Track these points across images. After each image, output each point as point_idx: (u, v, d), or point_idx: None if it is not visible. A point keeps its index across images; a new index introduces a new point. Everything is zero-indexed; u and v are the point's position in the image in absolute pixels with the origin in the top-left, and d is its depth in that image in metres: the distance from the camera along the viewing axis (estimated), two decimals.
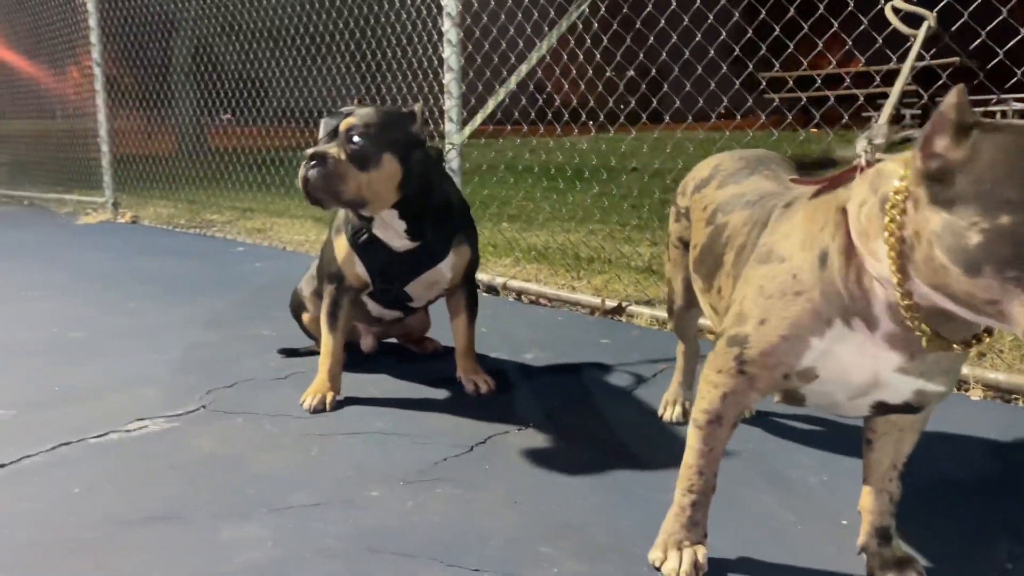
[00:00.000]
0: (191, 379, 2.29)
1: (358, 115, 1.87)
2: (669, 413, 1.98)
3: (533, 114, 4.08)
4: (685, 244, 1.70)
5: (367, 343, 2.49)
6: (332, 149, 1.84)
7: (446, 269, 2.10)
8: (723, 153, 1.72)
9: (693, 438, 1.26)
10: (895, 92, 1.26)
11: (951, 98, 0.88)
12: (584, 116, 4.00)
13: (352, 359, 2.42)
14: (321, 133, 1.92)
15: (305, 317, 2.43)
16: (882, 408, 1.15)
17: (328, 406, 2.05)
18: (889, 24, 1.47)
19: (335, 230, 2.12)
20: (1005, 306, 0.85)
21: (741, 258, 1.29)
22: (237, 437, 1.88)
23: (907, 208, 0.93)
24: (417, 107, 1.98)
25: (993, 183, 0.84)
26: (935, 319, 0.98)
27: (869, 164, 1.08)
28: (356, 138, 1.85)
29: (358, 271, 2.09)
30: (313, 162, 1.82)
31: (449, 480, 1.65)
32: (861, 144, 1.13)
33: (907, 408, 1.14)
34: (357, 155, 1.85)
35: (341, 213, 2.12)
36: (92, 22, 6.31)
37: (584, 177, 7.30)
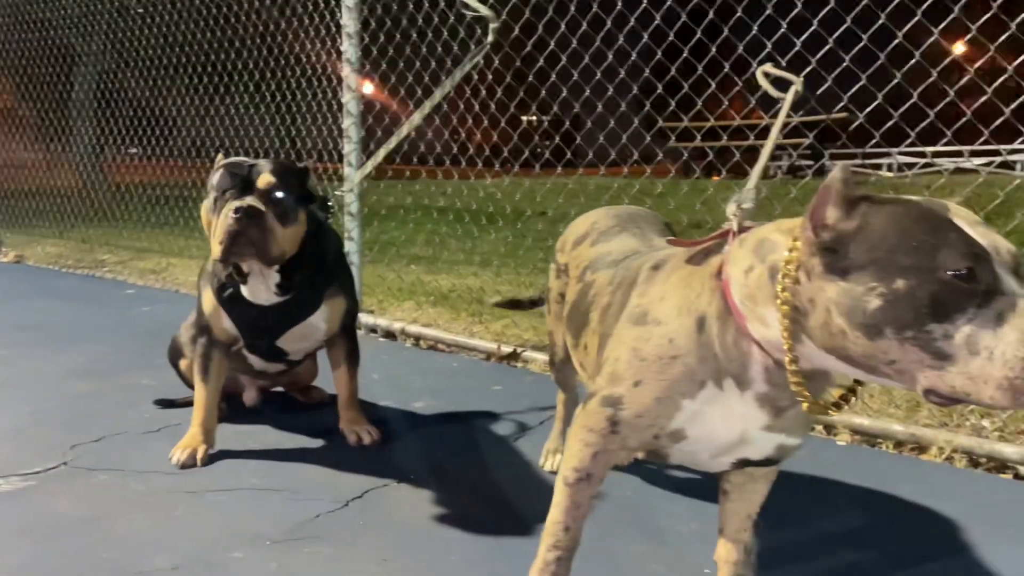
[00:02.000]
0: (56, 433, 2.17)
1: (269, 169, 1.85)
2: (550, 463, 1.99)
3: (447, 158, 4.10)
4: (564, 300, 1.73)
5: (250, 396, 2.42)
6: (258, 204, 1.81)
7: (319, 321, 2.07)
8: (599, 209, 1.76)
9: (561, 495, 1.27)
10: (764, 156, 1.33)
11: (837, 174, 0.94)
12: (497, 162, 4.04)
13: (234, 411, 2.34)
14: (226, 184, 1.84)
15: (183, 364, 2.35)
16: (743, 463, 1.19)
17: (199, 461, 1.97)
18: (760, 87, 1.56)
19: (204, 281, 2.06)
20: (904, 364, 0.90)
21: (607, 317, 1.31)
22: (98, 497, 1.78)
23: (799, 278, 0.97)
24: (309, 164, 2.00)
25: (887, 251, 0.89)
26: (809, 383, 1.03)
27: (741, 229, 1.13)
28: (279, 194, 1.83)
29: (225, 326, 2.04)
30: (250, 218, 1.77)
31: (319, 538, 1.60)
32: (731, 208, 1.19)
33: (767, 462, 1.18)
34: (279, 211, 1.84)
35: (208, 265, 2.06)
36: None
37: (491, 217, 7.38)
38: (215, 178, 1.86)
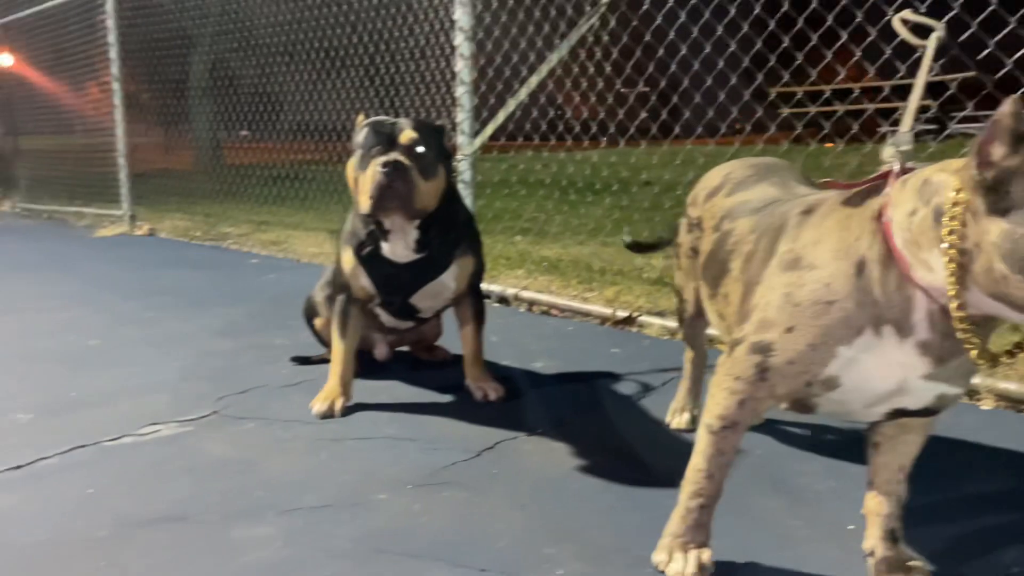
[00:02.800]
0: (204, 386, 2.32)
1: (412, 126, 1.92)
2: (677, 420, 1.98)
3: (545, 128, 4.10)
4: (697, 254, 1.71)
5: (381, 352, 2.51)
6: (403, 159, 1.88)
7: (449, 280, 2.12)
8: (734, 161, 1.73)
9: (704, 442, 1.26)
10: (914, 98, 1.27)
11: (1006, 107, 0.89)
12: (595, 130, 4.02)
13: (365, 367, 2.44)
14: (367, 141, 1.92)
15: (317, 322, 2.46)
16: (898, 413, 1.15)
17: (337, 412, 2.07)
18: (898, 36, 1.48)
19: (343, 242, 2.15)
20: None
21: (751, 264, 1.29)
22: (248, 442, 1.90)
23: (966, 219, 0.94)
24: (445, 122, 2.05)
25: None
26: (976, 329, 0.99)
27: (903, 171, 1.10)
28: (420, 149, 1.90)
29: (363, 283, 2.12)
30: (395, 172, 1.85)
31: (456, 484, 1.66)
32: (888, 152, 1.15)
33: (925, 412, 1.15)
34: (423, 166, 1.90)
35: (349, 224, 2.14)
36: (111, 39, 6.42)
37: (596, 190, 7.34)
38: (360, 136, 1.94)
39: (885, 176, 1.12)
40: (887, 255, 1.04)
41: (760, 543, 1.41)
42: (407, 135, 1.90)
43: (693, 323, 1.88)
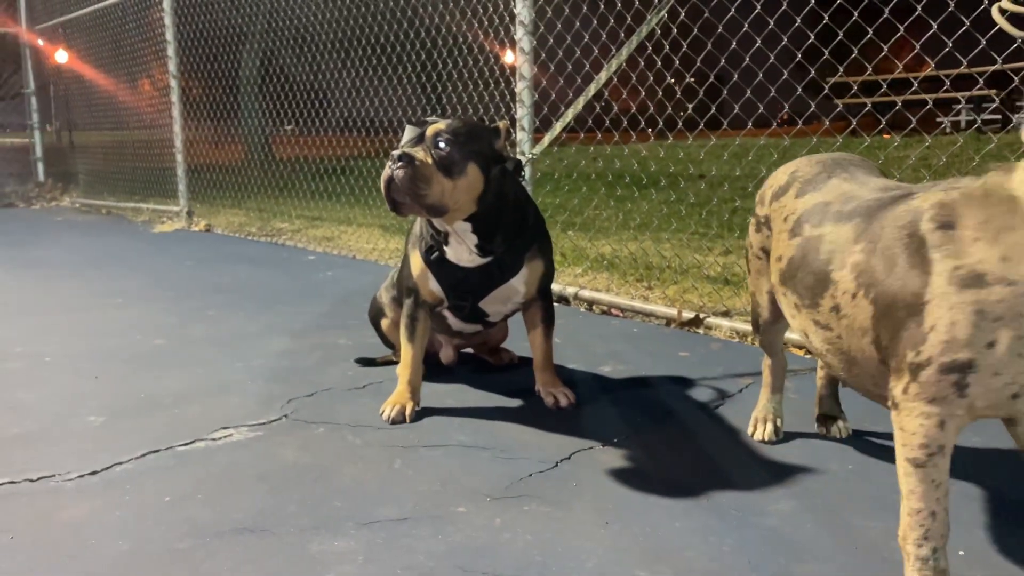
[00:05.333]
0: (272, 388, 2.31)
1: (445, 122, 1.87)
2: (760, 432, 1.90)
3: (592, 121, 4.02)
4: (767, 254, 1.66)
5: (447, 355, 2.47)
6: (419, 152, 1.83)
7: (519, 284, 2.07)
8: (799, 159, 1.69)
9: (915, 480, 1.19)
10: None
11: None
12: (643, 123, 3.93)
13: (430, 370, 2.40)
14: (404, 139, 1.91)
15: (384, 323, 2.43)
16: None
17: (408, 417, 2.03)
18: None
19: (411, 244, 2.11)
20: None
21: (877, 281, 1.23)
22: (320, 447, 1.88)
23: None
24: (503, 124, 1.97)
25: None
26: None
27: None
28: (443, 143, 1.84)
29: (432, 288, 2.08)
30: (400, 163, 1.80)
31: (536, 497, 1.61)
32: None
33: None
34: (443, 160, 1.84)
35: (417, 227, 2.11)
36: (169, 35, 6.50)
37: (644, 184, 7.23)
38: (402, 136, 1.92)
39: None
40: None
41: (865, 568, 1.33)
42: (432, 128, 1.86)
43: (770, 328, 1.81)
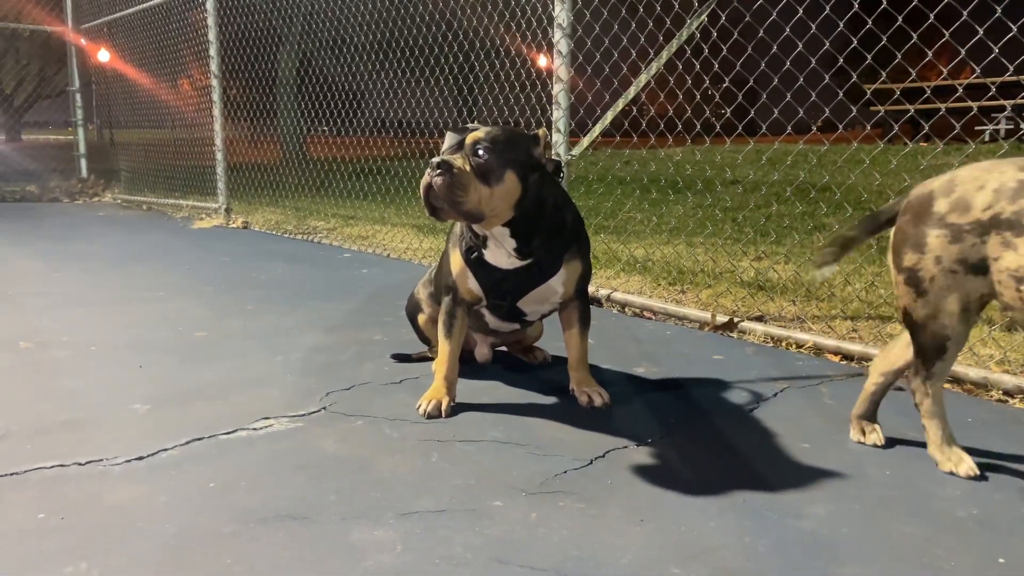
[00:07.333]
0: (310, 381, 2.35)
1: (484, 131, 1.90)
2: (964, 466, 1.72)
3: (627, 125, 4.02)
4: (967, 266, 1.58)
5: (482, 353, 2.50)
6: (457, 160, 1.86)
7: (557, 284, 2.09)
8: (984, 172, 1.59)
9: None
10: None
11: None
12: (679, 127, 3.93)
13: (465, 367, 2.43)
14: (445, 146, 1.95)
15: (420, 319, 2.46)
16: None
17: (444, 412, 2.06)
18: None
19: (452, 243, 2.14)
20: None
21: None
22: (358, 439, 1.91)
23: None
24: (542, 132, 1.99)
25: None
26: None
27: None
28: (481, 152, 1.87)
29: (471, 286, 2.10)
30: (438, 170, 1.84)
31: (571, 494, 1.62)
32: None
33: None
34: (482, 168, 1.87)
35: (458, 227, 2.14)
36: (211, 36, 6.62)
37: (679, 188, 7.21)
38: (443, 142, 1.95)
39: None
40: None
41: (906, 574, 1.32)
42: (471, 136, 1.89)
43: (956, 351, 1.67)
